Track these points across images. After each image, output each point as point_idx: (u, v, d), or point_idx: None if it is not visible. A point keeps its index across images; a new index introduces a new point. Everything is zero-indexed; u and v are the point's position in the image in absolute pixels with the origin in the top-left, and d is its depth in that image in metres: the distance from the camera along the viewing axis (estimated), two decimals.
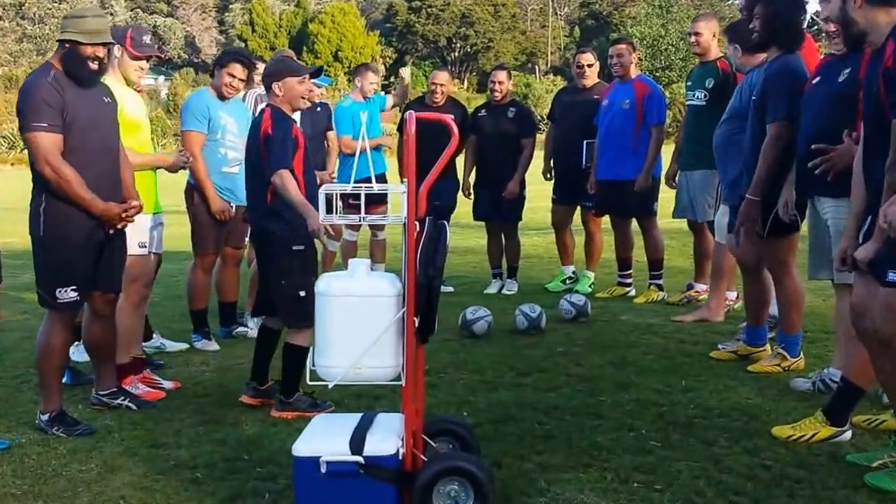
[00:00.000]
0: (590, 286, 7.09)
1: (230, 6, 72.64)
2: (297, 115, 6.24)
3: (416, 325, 3.14)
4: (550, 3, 73.57)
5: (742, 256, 4.89)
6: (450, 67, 65.67)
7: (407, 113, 3.13)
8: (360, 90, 6.98)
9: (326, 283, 3.18)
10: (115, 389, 4.20)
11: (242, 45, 53.48)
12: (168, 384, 4.53)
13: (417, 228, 3.15)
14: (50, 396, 3.93)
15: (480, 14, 66.18)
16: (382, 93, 7.48)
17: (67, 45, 3.78)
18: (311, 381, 3.18)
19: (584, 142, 6.86)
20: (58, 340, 3.91)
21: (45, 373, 3.93)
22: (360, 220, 3.29)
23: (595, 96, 6.92)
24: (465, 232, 9.59)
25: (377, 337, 3.12)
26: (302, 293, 3.96)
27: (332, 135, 6.76)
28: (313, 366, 3.15)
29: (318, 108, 6.57)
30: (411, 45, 66.44)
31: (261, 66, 5.59)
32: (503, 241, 7.25)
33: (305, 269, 4.07)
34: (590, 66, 7.01)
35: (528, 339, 5.49)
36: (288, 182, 3.90)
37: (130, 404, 4.18)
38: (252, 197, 4.18)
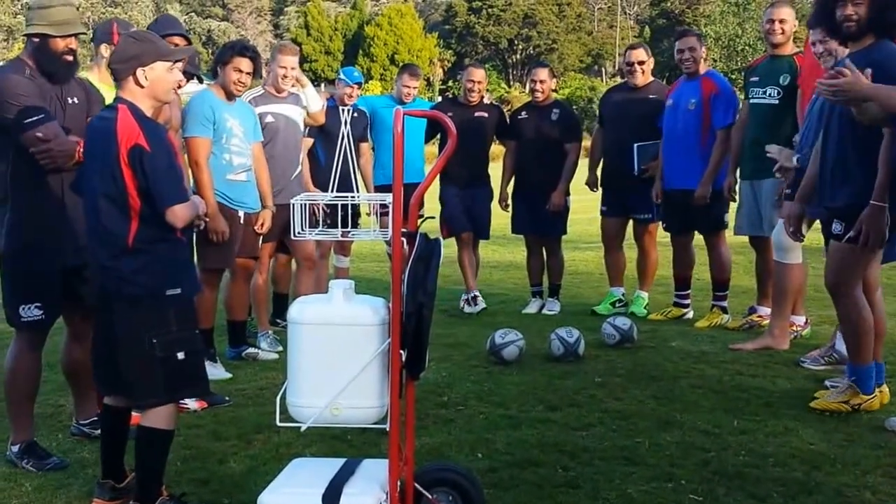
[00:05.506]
0: (645, 308, 6.48)
1: (285, 9, 73.21)
2: (338, 121, 5.90)
3: (404, 358, 2.69)
4: (619, 2, 71.54)
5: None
6: (511, 70, 64.82)
7: (394, 109, 2.68)
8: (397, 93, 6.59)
9: (299, 309, 2.75)
10: (96, 418, 3.83)
11: (298, 49, 54.00)
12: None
13: (406, 245, 2.69)
14: (19, 426, 3.60)
15: (544, 14, 64.59)
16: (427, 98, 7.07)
17: (37, 40, 3.44)
18: (280, 422, 2.75)
19: (635, 145, 6.26)
20: (24, 364, 3.58)
21: (13, 399, 3.61)
22: (339, 235, 2.82)
23: (651, 96, 6.32)
24: (511, 244, 9.07)
25: (357, 373, 2.68)
26: (181, 355, 2.98)
27: (365, 147, 6.31)
28: (286, 403, 2.73)
29: (356, 114, 6.15)
30: (471, 47, 65.15)
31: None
32: (545, 256, 6.71)
33: (185, 321, 3.05)
34: (641, 63, 6.37)
35: (564, 368, 4.96)
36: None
37: None
38: (96, 234, 3.02)
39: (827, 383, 4.42)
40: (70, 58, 3.51)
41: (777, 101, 5.44)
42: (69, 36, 3.47)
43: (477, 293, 6.66)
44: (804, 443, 3.72)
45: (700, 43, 6.13)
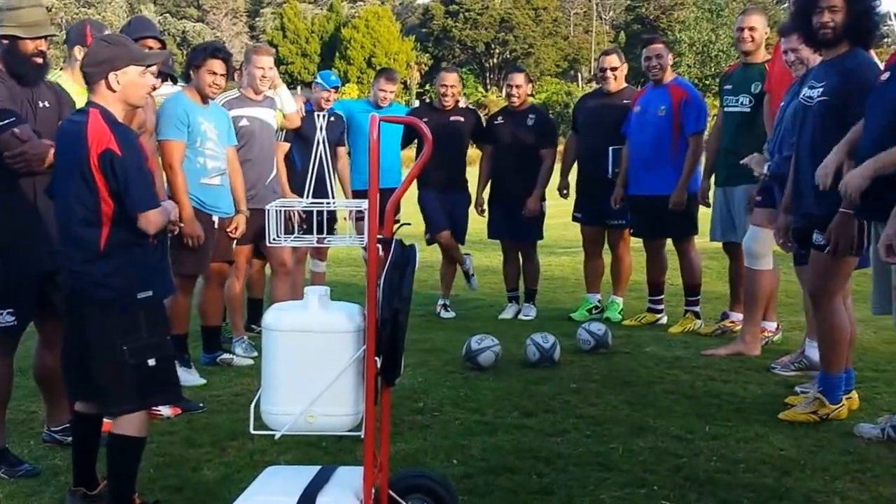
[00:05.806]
0: (619, 313, 6.53)
1: (261, 11, 72.62)
2: (314, 125, 5.90)
3: (379, 365, 2.69)
4: (594, 8, 71.89)
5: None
6: (488, 74, 64.90)
7: (369, 115, 2.68)
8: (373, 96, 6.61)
9: (274, 316, 2.74)
10: (68, 425, 3.79)
11: (273, 50, 53.66)
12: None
13: (381, 251, 2.70)
14: None
15: (521, 18, 64.70)
16: (403, 102, 7.09)
17: (6, 42, 3.41)
18: (255, 429, 2.74)
19: (611, 148, 6.30)
20: None
21: None
22: (315, 242, 2.82)
23: (625, 101, 6.36)
24: (487, 249, 9.10)
25: (332, 380, 2.67)
26: (152, 361, 2.95)
27: (342, 151, 6.31)
28: (260, 410, 2.72)
29: (332, 118, 6.14)
30: (448, 50, 64.97)
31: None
32: (520, 261, 6.74)
33: (155, 326, 3.02)
34: (614, 69, 6.43)
35: (539, 373, 4.98)
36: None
37: None
38: (68, 238, 2.99)
39: (797, 389, 4.48)
40: (40, 60, 3.48)
41: (749, 109, 5.50)
42: (39, 38, 3.44)
43: (467, 258, 6.82)
44: (774, 449, 3.76)
45: (667, 50, 6.19)
